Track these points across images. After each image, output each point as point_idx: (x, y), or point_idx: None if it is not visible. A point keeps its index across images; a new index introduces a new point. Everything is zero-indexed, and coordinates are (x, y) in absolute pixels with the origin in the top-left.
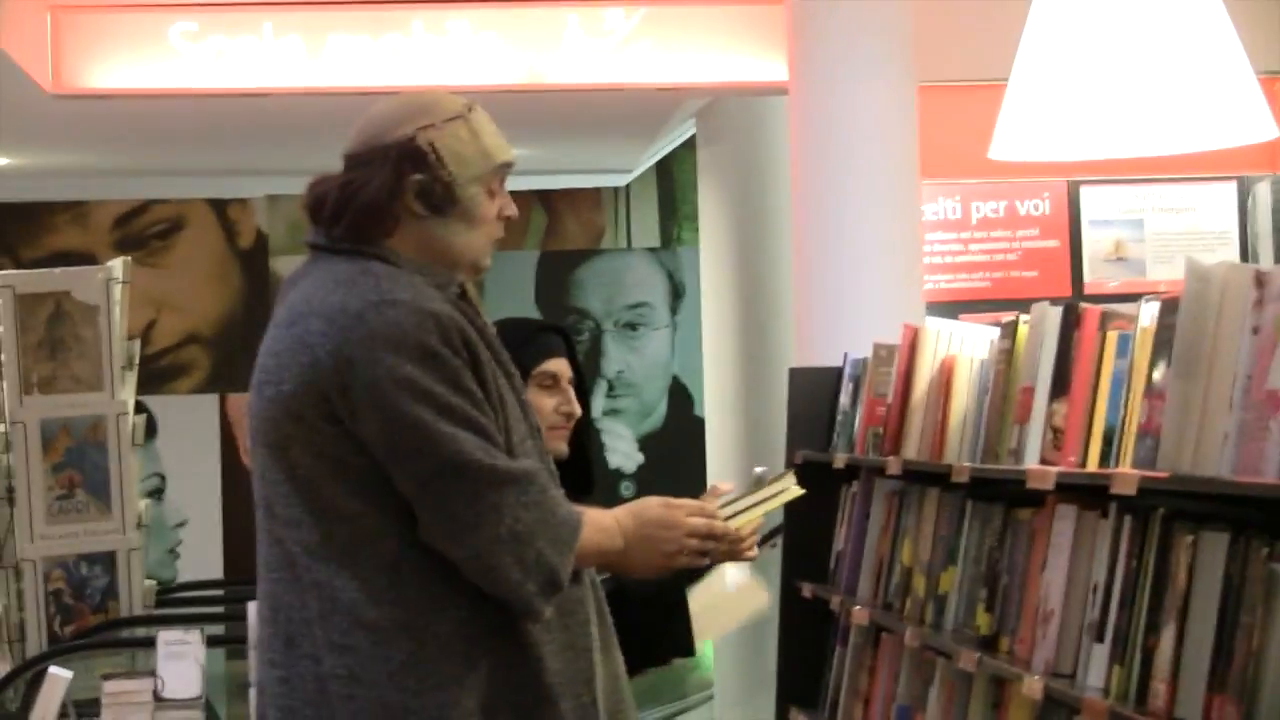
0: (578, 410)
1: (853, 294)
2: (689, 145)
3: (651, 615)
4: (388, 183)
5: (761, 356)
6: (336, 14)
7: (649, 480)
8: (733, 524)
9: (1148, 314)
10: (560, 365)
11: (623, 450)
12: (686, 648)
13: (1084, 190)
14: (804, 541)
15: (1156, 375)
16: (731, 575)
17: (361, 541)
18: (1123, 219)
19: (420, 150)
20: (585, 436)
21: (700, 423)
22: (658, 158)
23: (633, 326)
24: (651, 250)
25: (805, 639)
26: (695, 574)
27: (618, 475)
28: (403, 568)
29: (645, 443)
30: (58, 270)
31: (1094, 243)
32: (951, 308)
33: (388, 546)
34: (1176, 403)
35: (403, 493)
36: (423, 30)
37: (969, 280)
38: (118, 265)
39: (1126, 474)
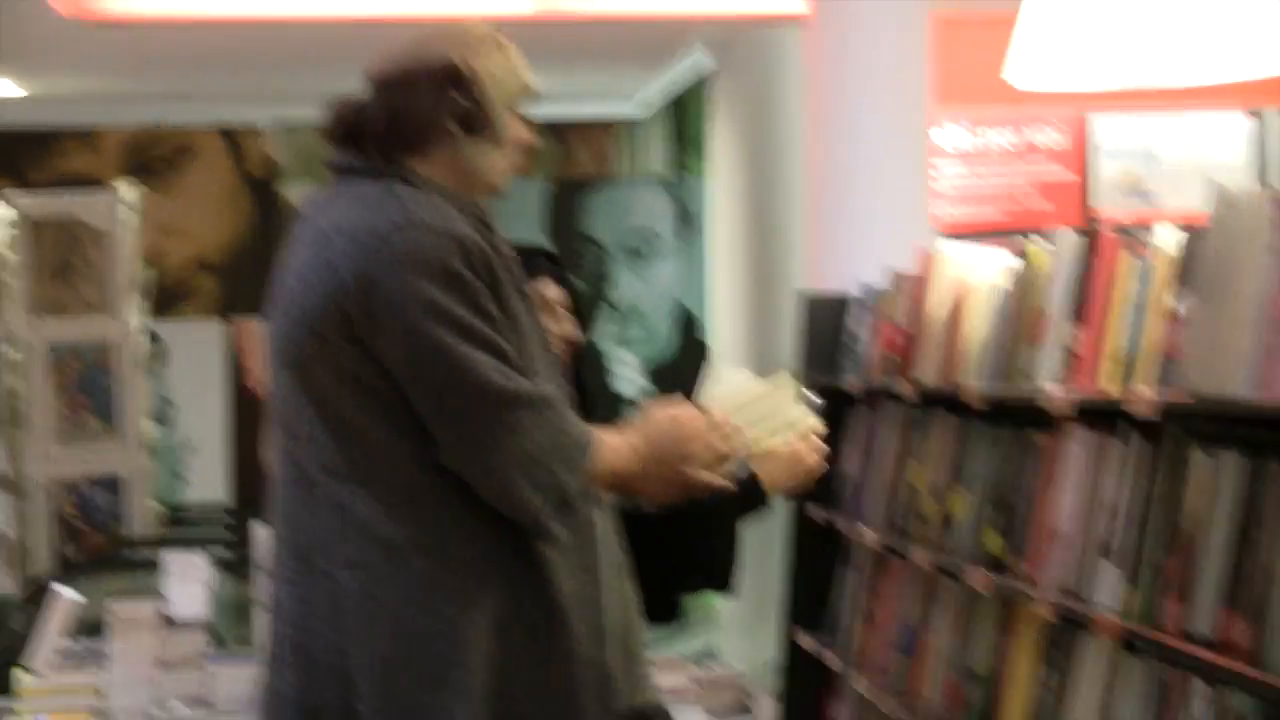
0: (574, 333)
1: (862, 220)
2: (702, 78)
3: (704, 541)
4: (431, 102)
5: (770, 284)
6: None
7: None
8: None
9: (1166, 239)
10: (552, 289)
11: (629, 377)
12: (724, 583)
13: (1097, 120)
14: None
15: (1180, 300)
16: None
17: (379, 461)
18: (1136, 149)
19: (460, 72)
20: (582, 362)
21: (705, 349)
22: (670, 89)
23: (640, 254)
24: (660, 179)
25: (813, 563)
26: (748, 505)
27: (625, 402)
28: (420, 487)
29: (652, 369)
30: (69, 195)
31: (1107, 173)
32: (964, 237)
33: (405, 466)
34: (1198, 325)
35: (421, 413)
36: None
37: (980, 210)
38: (126, 190)
39: (1143, 396)
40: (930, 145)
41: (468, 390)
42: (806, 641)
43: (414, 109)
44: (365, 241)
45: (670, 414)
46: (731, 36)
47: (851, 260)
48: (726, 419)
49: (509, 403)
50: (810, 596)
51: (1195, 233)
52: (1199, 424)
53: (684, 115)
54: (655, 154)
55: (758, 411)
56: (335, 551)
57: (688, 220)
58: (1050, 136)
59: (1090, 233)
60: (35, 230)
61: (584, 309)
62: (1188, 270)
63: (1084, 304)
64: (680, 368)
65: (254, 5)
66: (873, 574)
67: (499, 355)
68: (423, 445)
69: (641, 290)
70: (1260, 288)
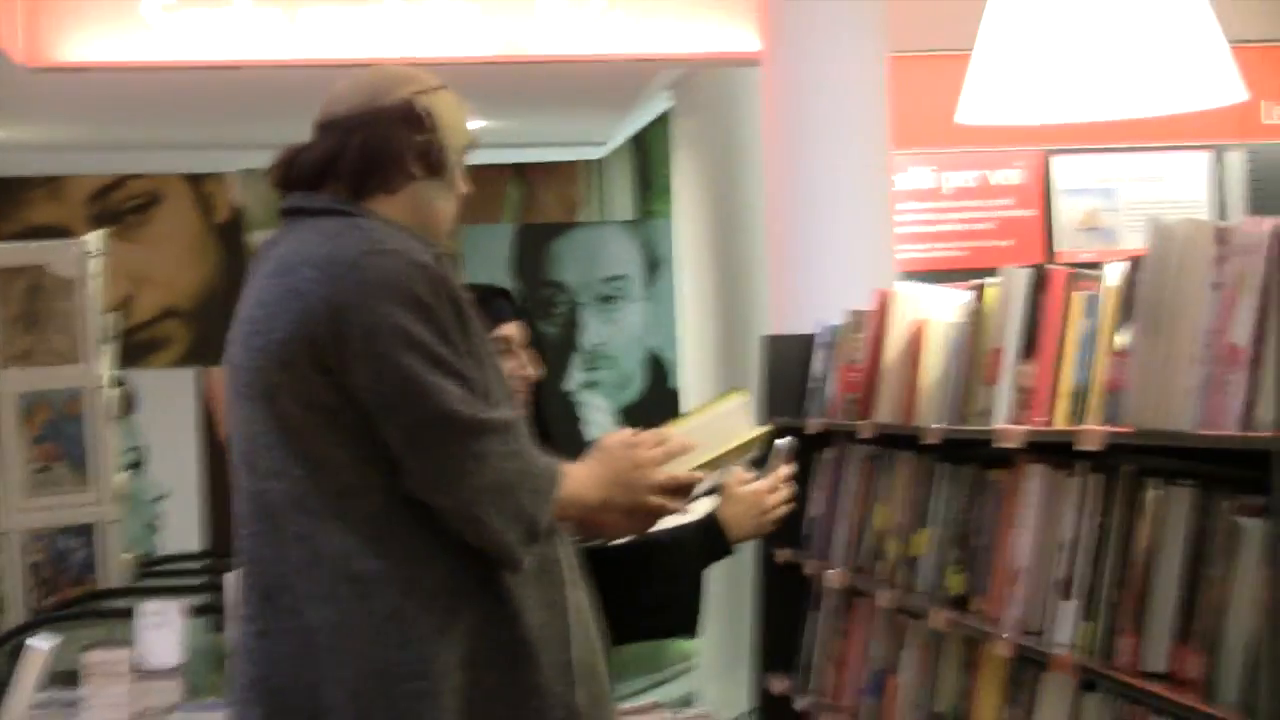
0: (533, 372)
1: (825, 263)
2: (664, 119)
3: (668, 587)
4: (396, 142)
5: (737, 327)
6: None
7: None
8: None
9: (1114, 275)
10: (512, 329)
11: (600, 422)
12: (690, 627)
13: (1056, 160)
14: None
15: (1122, 333)
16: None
17: (346, 493)
18: (1096, 188)
19: (418, 113)
20: (542, 402)
21: (676, 394)
22: (633, 131)
23: (609, 299)
24: (627, 223)
25: (781, 605)
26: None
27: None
28: (387, 519)
29: (623, 414)
30: (34, 244)
31: (1067, 212)
32: (926, 277)
33: (373, 498)
34: (1142, 359)
35: (388, 442)
36: (399, 1)
37: (944, 249)
38: (94, 238)
39: (1092, 430)
40: (891, 185)
41: (435, 419)
42: (778, 685)
43: (384, 147)
44: (332, 269)
45: (624, 439)
46: (692, 77)
47: (816, 301)
48: (680, 438)
49: (477, 432)
50: (780, 640)
51: (1133, 264)
52: (1149, 458)
53: (646, 156)
54: (621, 196)
55: (711, 430)
56: (304, 588)
57: (655, 263)
58: (1011, 176)
59: (1039, 268)
60: (2, 280)
61: (544, 348)
62: (1128, 303)
63: (1036, 341)
64: (650, 411)
65: (216, 49)
66: (840, 616)
67: (465, 385)
68: (391, 476)
69: (611, 334)
70: (1201, 321)
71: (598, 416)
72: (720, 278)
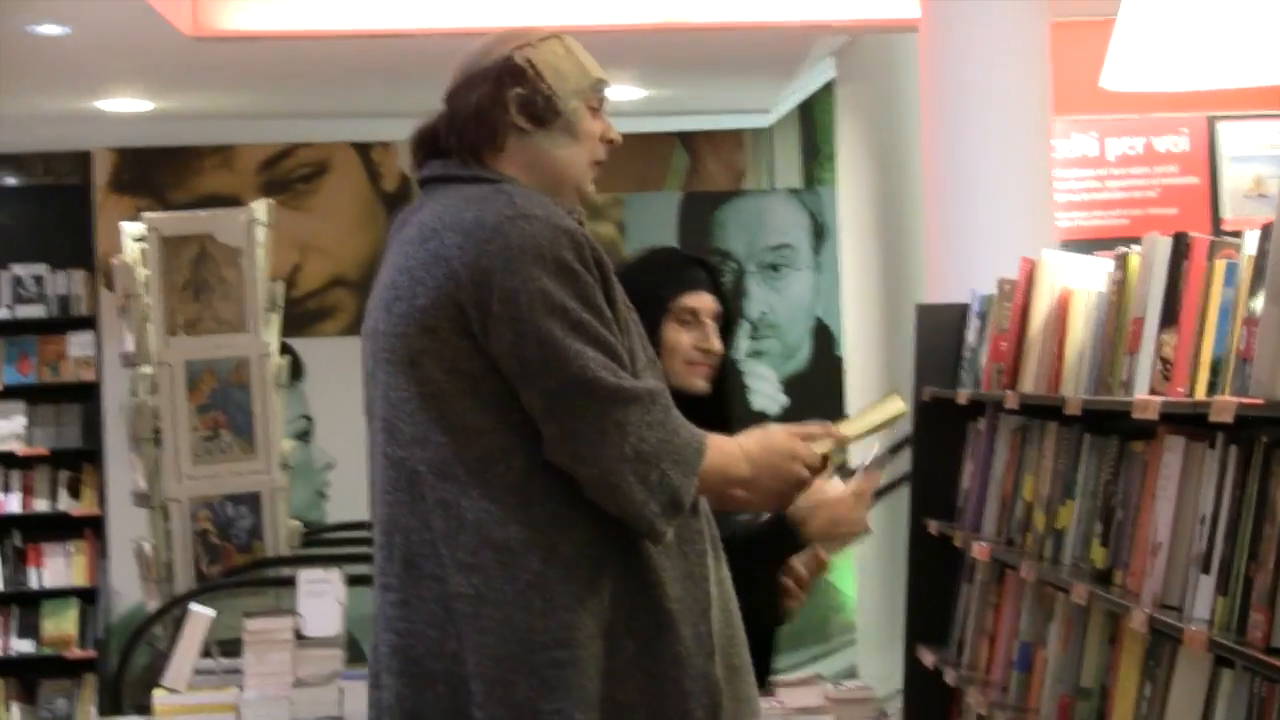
0: (717, 346)
1: (984, 231)
2: (830, 86)
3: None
4: (491, 98)
5: (899, 295)
6: None
7: (793, 421)
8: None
9: (1252, 243)
10: (701, 300)
11: (766, 392)
12: (774, 621)
13: (1222, 126)
14: (931, 479)
15: (1254, 303)
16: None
17: (489, 459)
18: (1263, 154)
19: (518, 66)
20: (725, 376)
21: (841, 364)
22: (800, 99)
23: (775, 267)
24: (793, 191)
25: (933, 577)
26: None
27: (761, 417)
28: (530, 486)
29: (789, 384)
30: (202, 212)
31: (1233, 179)
32: (1089, 245)
33: (515, 465)
34: (1270, 329)
35: (529, 409)
36: None
37: (1106, 218)
38: (260, 207)
39: (1225, 401)
40: (1053, 153)
41: (577, 386)
42: (928, 658)
43: (478, 107)
44: (476, 233)
45: (794, 429)
46: (854, 44)
47: (976, 270)
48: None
49: (618, 400)
50: (932, 613)
51: (1265, 231)
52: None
53: (813, 125)
54: (788, 164)
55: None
56: (446, 555)
57: (821, 232)
58: (1176, 143)
59: (1181, 236)
60: (169, 248)
61: (733, 326)
62: (1259, 272)
63: (1177, 309)
64: (816, 381)
65: (378, 18)
66: (990, 589)
67: (609, 352)
68: (534, 443)
69: (776, 303)
70: None
71: (763, 386)
72: (882, 246)
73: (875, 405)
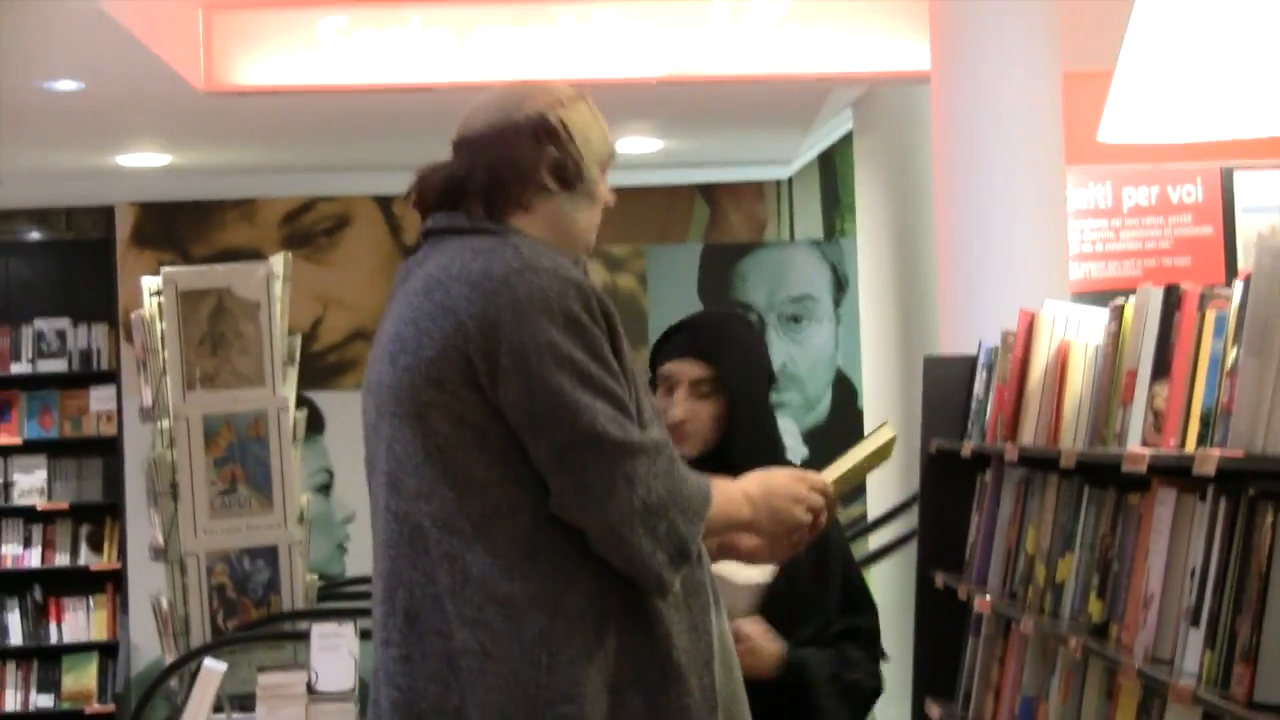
0: (674, 414)
1: (996, 282)
2: (849, 137)
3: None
4: (530, 156)
5: (916, 346)
6: (483, 7)
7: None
8: (830, 476)
9: (1238, 293)
10: (674, 366)
11: (787, 444)
12: None
13: (1238, 175)
14: (938, 532)
15: (1233, 354)
16: None
17: (494, 513)
18: (1277, 204)
19: (552, 126)
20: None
21: (862, 416)
22: (819, 150)
23: (796, 319)
24: (814, 242)
25: (940, 630)
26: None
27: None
28: (535, 540)
29: (809, 436)
30: (219, 266)
31: (1248, 229)
32: (1103, 296)
33: (521, 519)
34: (1249, 381)
35: (536, 462)
36: (571, 21)
37: (1120, 268)
38: (278, 261)
39: (1208, 454)
40: (1066, 203)
41: (585, 439)
42: (935, 711)
43: (513, 163)
44: (483, 285)
45: (795, 472)
46: (872, 95)
47: (987, 321)
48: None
49: (626, 453)
50: (938, 666)
51: (1245, 283)
52: (1271, 483)
53: (833, 176)
54: (809, 216)
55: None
56: (450, 609)
57: (843, 283)
58: (1190, 193)
59: (1173, 288)
60: (187, 303)
61: (729, 384)
62: (1240, 324)
63: (1168, 360)
64: (837, 434)
65: (389, 71)
66: (994, 642)
67: (616, 404)
68: (539, 497)
69: (797, 355)
70: None
71: (785, 439)
72: (900, 297)
73: (866, 438)
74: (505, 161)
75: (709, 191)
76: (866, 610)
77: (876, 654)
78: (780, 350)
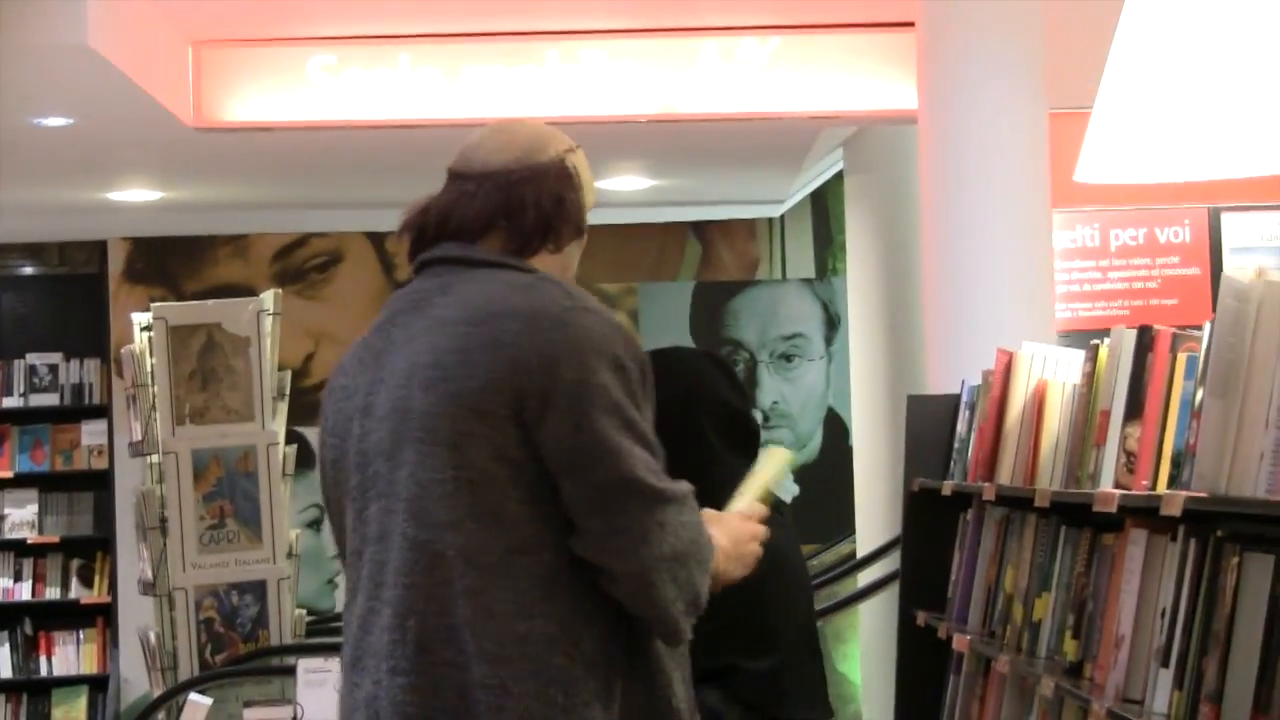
0: None
1: (982, 321)
2: (841, 176)
3: None
4: (559, 194)
5: (907, 385)
6: (472, 45)
7: (804, 511)
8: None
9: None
10: None
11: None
12: None
13: (1225, 217)
14: (921, 570)
15: (1199, 396)
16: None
17: (520, 550)
18: (1265, 245)
19: (569, 172)
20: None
21: (852, 453)
22: (811, 189)
23: (788, 358)
24: (806, 281)
25: (922, 668)
26: None
27: (774, 507)
28: (557, 580)
29: (801, 473)
30: (209, 302)
31: (1236, 270)
32: (1090, 336)
33: (544, 557)
34: (1213, 422)
35: (569, 501)
36: (557, 60)
37: (1108, 308)
38: (268, 297)
39: (1174, 495)
40: (1053, 243)
41: (625, 484)
42: None
43: (558, 205)
44: (540, 322)
45: (743, 513)
46: (862, 134)
47: (974, 361)
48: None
49: (660, 501)
50: (920, 704)
51: (1211, 324)
52: (1245, 524)
53: (825, 215)
54: (801, 254)
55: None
56: (469, 643)
57: (834, 321)
58: (1177, 233)
59: (1145, 329)
60: (176, 338)
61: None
62: (1205, 366)
63: (1141, 402)
64: (828, 471)
65: (378, 109)
66: (975, 680)
67: (652, 451)
68: (562, 537)
69: (789, 393)
70: (1274, 383)
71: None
72: (889, 336)
73: (763, 462)
74: (554, 201)
75: (701, 229)
76: (767, 654)
77: (750, 699)
78: (772, 388)
